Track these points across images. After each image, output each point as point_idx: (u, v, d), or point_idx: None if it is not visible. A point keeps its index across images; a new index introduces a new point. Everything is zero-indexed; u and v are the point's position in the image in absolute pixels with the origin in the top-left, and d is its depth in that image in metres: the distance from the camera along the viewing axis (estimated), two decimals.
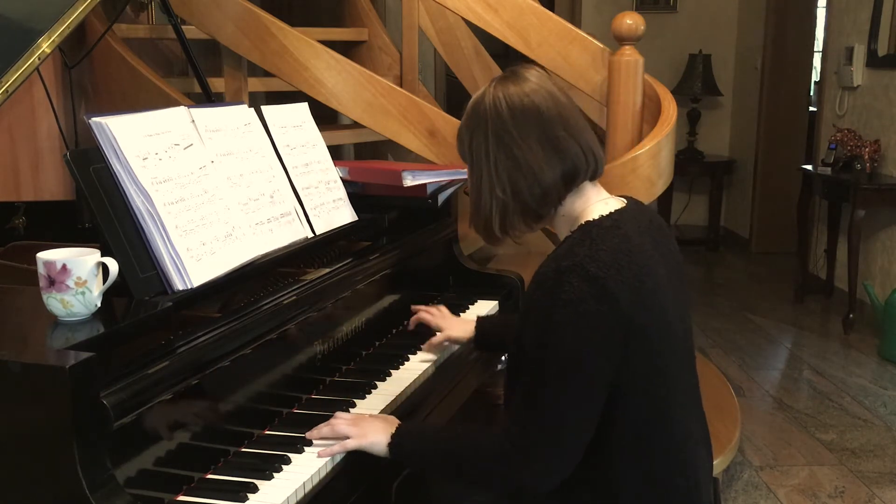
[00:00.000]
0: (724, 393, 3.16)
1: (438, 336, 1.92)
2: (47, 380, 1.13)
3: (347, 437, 1.49)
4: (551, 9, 5.09)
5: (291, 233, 1.81)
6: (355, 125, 3.11)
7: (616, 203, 1.50)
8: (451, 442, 1.49)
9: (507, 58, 4.01)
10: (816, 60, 5.98)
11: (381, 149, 3.76)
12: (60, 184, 2.66)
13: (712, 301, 4.96)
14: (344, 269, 1.85)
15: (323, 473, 1.44)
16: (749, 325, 4.55)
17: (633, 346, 1.37)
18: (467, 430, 1.52)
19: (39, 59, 1.91)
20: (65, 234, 1.72)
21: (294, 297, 1.65)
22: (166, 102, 2.44)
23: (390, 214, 2.18)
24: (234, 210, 1.66)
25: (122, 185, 1.47)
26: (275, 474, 1.39)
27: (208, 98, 2.52)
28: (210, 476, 1.39)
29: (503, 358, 2.31)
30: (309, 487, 1.40)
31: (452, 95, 5.05)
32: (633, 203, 1.54)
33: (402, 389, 1.76)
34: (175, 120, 1.62)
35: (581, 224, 1.46)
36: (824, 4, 5.56)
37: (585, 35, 2.82)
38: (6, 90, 1.83)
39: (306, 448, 1.49)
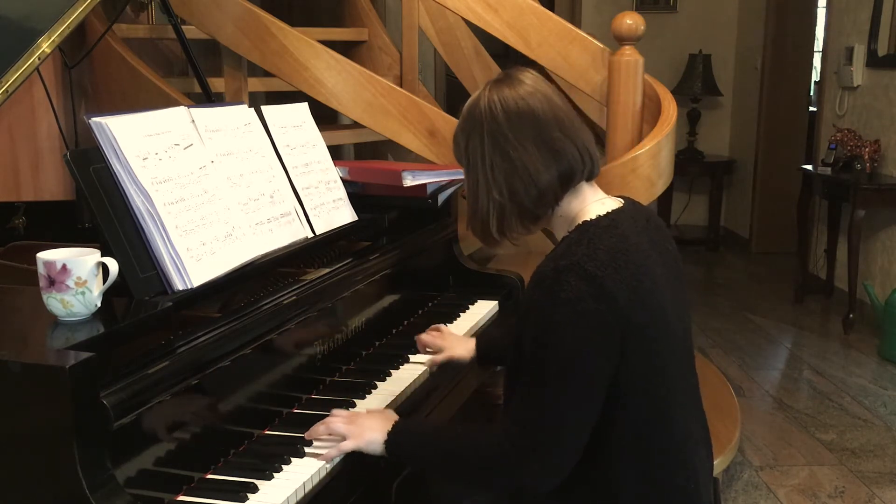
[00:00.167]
0: (724, 393, 3.16)
1: (441, 355, 1.90)
2: (47, 380, 1.13)
3: (344, 437, 1.49)
4: (551, 9, 5.09)
5: (291, 233, 1.81)
6: (355, 125, 3.11)
7: (613, 203, 1.51)
8: (449, 441, 1.49)
9: (507, 58, 4.01)
10: (816, 60, 5.97)
11: (381, 149, 3.76)
12: (60, 184, 2.66)
13: (712, 301, 4.96)
14: (344, 269, 1.85)
15: (323, 473, 1.44)
16: (749, 325, 4.55)
17: (632, 346, 1.37)
18: (466, 429, 1.51)
19: (39, 59, 1.91)
20: (65, 234, 1.72)
21: (294, 297, 1.65)
22: (166, 102, 2.44)
23: (390, 214, 2.18)
24: (234, 210, 1.66)
25: (122, 185, 1.47)
26: (275, 474, 1.39)
27: (208, 98, 2.52)
28: (210, 476, 1.39)
29: None
30: (309, 487, 1.40)
31: (452, 95, 5.05)
32: (630, 203, 1.54)
33: (402, 389, 1.76)
34: (175, 120, 1.62)
35: (578, 224, 1.46)
36: (824, 4, 5.56)
37: (585, 35, 2.82)
38: (6, 90, 1.83)
39: (306, 448, 1.49)
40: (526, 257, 2.96)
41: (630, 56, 2.67)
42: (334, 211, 2.00)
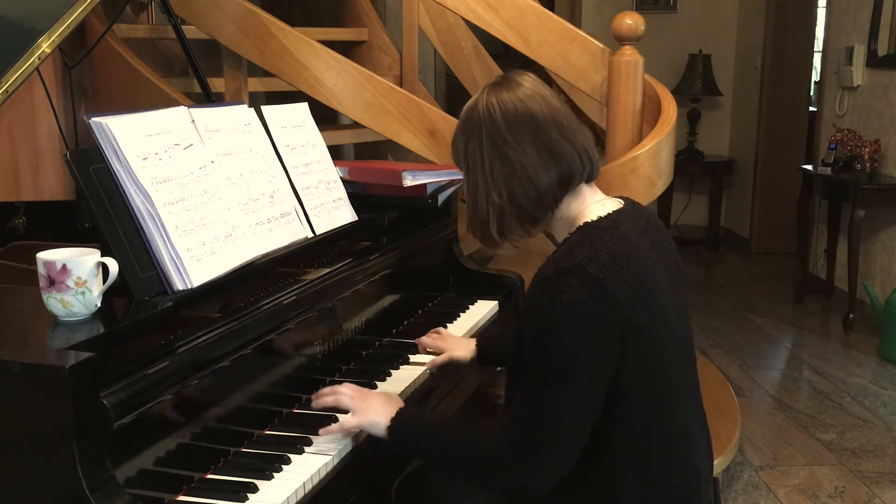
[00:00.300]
0: (724, 393, 3.16)
1: (441, 357, 1.90)
2: (47, 380, 1.13)
3: (348, 410, 1.51)
4: (551, 9, 5.09)
5: (291, 233, 1.81)
6: (355, 125, 3.11)
7: (613, 204, 1.51)
8: (450, 436, 1.49)
9: (507, 58, 4.02)
10: (816, 60, 5.97)
11: (381, 149, 3.76)
12: (60, 184, 2.66)
13: (712, 301, 4.96)
14: (344, 269, 1.85)
15: (323, 473, 1.45)
16: (749, 325, 4.55)
17: (632, 346, 1.37)
18: (468, 425, 1.52)
19: (39, 59, 1.91)
20: (65, 234, 1.72)
21: (294, 297, 1.65)
22: (166, 102, 2.44)
23: (390, 214, 2.18)
24: (234, 210, 1.66)
25: (122, 185, 1.47)
26: (275, 474, 1.39)
27: (208, 98, 2.52)
28: (210, 476, 1.39)
29: None
30: (309, 487, 1.40)
31: (452, 95, 5.05)
32: (630, 204, 1.54)
33: (402, 389, 1.76)
34: (175, 120, 1.62)
35: (579, 226, 1.46)
36: (824, 4, 5.56)
37: (585, 35, 2.82)
38: (6, 90, 1.83)
39: (306, 448, 1.49)
40: (526, 257, 2.96)
41: (630, 56, 2.67)
42: (334, 211, 2.00)
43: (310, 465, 1.44)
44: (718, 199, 6.28)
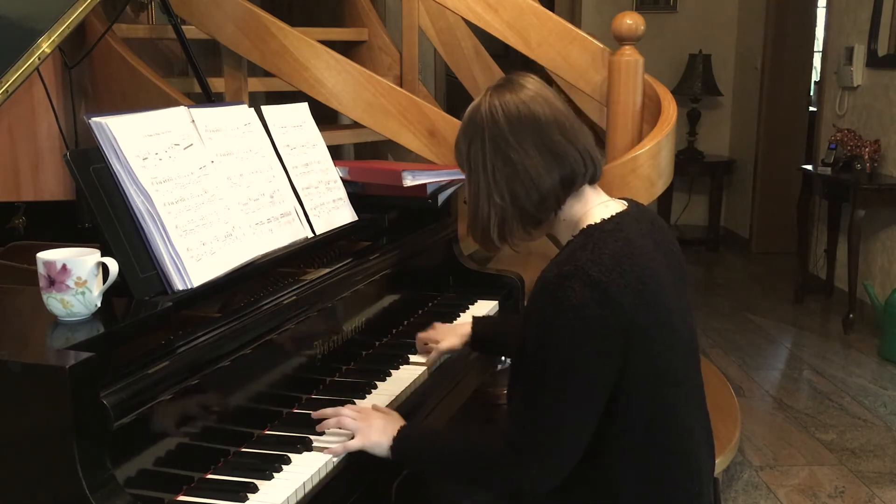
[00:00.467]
0: (724, 393, 3.16)
1: (432, 355, 1.89)
2: (47, 380, 1.13)
3: (352, 433, 1.51)
4: (551, 9, 5.09)
5: (291, 233, 1.81)
6: (355, 125, 3.11)
7: (617, 206, 1.51)
8: (451, 445, 1.50)
9: (507, 58, 4.02)
10: (816, 60, 5.97)
11: (381, 149, 3.75)
12: (60, 184, 2.66)
13: (712, 301, 4.96)
14: (344, 269, 1.85)
15: (323, 473, 1.45)
16: (749, 325, 4.55)
17: (636, 347, 1.37)
18: (468, 432, 1.52)
19: (39, 59, 1.91)
20: (65, 234, 1.72)
21: (294, 297, 1.65)
22: (166, 102, 2.44)
23: (390, 214, 2.18)
24: (234, 210, 1.66)
25: (122, 185, 1.47)
26: (275, 474, 1.39)
27: (208, 98, 2.52)
28: (210, 476, 1.39)
29: (503, 358, 2.31)
30: (309, 487, 1.40)
31: (452, 95, 5.05)
32: (633, 205, 1.54)
33: (402, 389, 1.76)
34: (175, 120, 1.62)
35: (583, 228, 1.46)
36: (824, 4, 5.56)
37: (585, 35, 2.82)
38: (6, 90, 1.83)
39: (306, 448, 1.49)
40: (526, 257, 2.96)
41: (630, 56, 2.67)
42: (334, 211, 2.00)
43: (310, 465, 1.44)
44: (718, 199, 6.28)
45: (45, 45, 1.93)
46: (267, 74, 3.08)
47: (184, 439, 1.34)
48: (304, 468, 1.43)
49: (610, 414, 1.40)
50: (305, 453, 1.47)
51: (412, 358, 1.91)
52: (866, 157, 4.36)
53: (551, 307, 1.35)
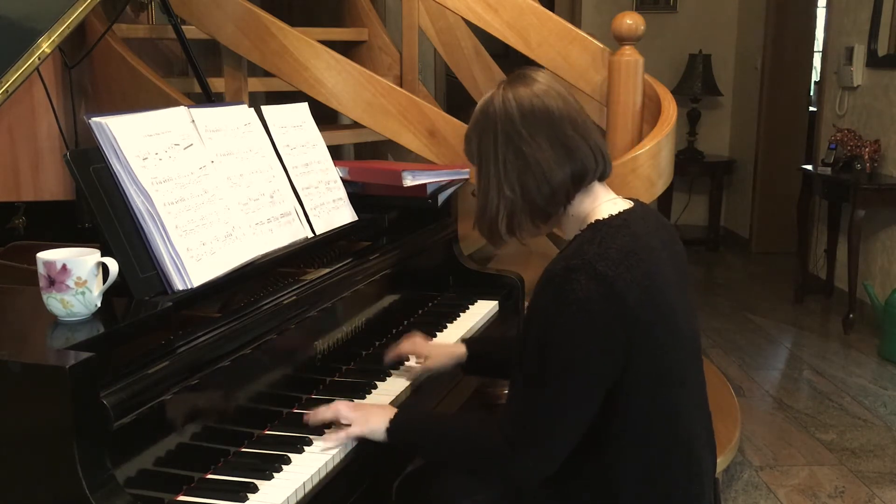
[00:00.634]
0: (724, 393, 3.16)
1: (419, 368, 1.84)
2: (47, 380, 1.13)
3: (349, 423, 1.52)
4: (551, 9, 5.09)
5: (291, 233, 1.81)
6: (355, 125, 3.11)
7: (624, 203, 1.51)
8: (445, 429, 1.53)
9: (507, 58, 4.02)
10: (816, 60, 5.97)
11: (381, 149, 3.75)
12: (60, 184, 2.66)
13: (712, 301, 4.96)
14: (344, 269, 1.85)
15: (323, 473, 1.45)
16: (749, 325, 4.55)
17: (639, 345, 1.37)
18: (463, 418, 1.53)
19: (39, 59, 1.91)
20: (65, 234, 1.72)
21: (294, 297, 1.65)
22: (166, 102, 2.44)
23: (390, 214, 2.18)
24: (234, 210, 1.66)
25: (122, 185, 1.47)
26: (275, 474, 1.39)
27: (208, 98, 2.52)
28: (210, 476, 1.39)
29: None
30: (309, 487, 1.40)
31: (452, 95, 5.05)
32: (639, 204, 1.54)
33: (401, 389, 1.76)
34: (175, 120, 1.62)
35: (590, 223, 1.46)
36: (824, 4, 5.56)
37: (585, 35, 2.82)
38: (6, 90, 1.83)
39: (306, 448, 1.49)
40: (527, 257, 2.96)
41: (630, 56, 2.67)
42: (334, 211, 2.00)
43: (310, 465, 1.44)
44: (718, 199, 6.28)
45: (45, 45, 1.93)
46: (267, 74, 3.08)
47: (184, 439, 1.34)
48: (304, 468, 1.43)
49: (611, 413, 1.40)
50: (305, 453, 1.47)
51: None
52: (866, 157, 4.36)
53: (556, 299, 1.35)
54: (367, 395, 1.71)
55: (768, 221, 5.97)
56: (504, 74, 3.62)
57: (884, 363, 3.99)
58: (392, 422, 1.52)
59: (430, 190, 2.26)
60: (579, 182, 1.47)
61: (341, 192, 2.06)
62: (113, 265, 1.34)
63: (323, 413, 1.54)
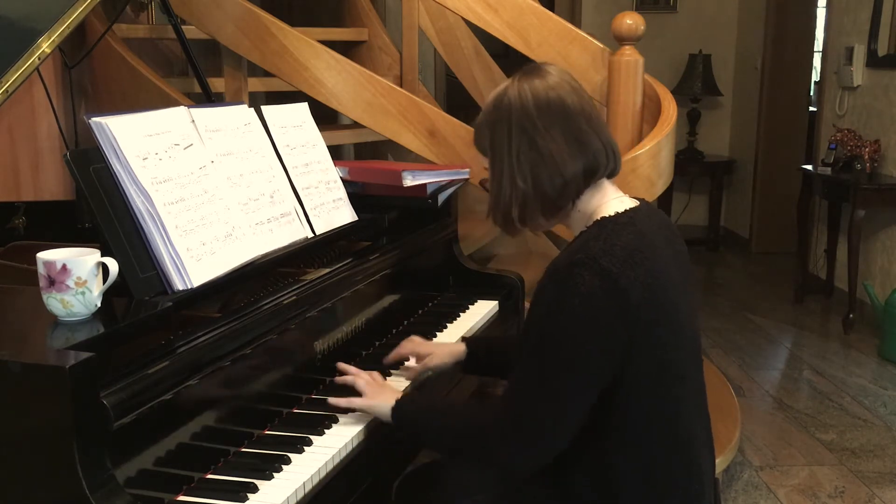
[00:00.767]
0: (724, 393, 3.16)
1: (419, 367, 1.85)
2: (47, 380, 1.13)
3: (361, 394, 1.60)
4: (551, 9, 5.09)
5: (291, 233, 1.81)
6: (355, 125, 3.11)
7: (631, 202, 1.51)
8: (447, 413, 1.55)
9: (507, 58, 4.01)
10: (816, 60, 5.97)
11: (381, 149, 3.75)
12: (60, 184, 2.66)
13: (712, 301, 4.96)
14: (344, 269, 1.85)
15: (323, 473, 1.45)
16: (749, 325, 4.55)
17: (640, 342, 1.37)
18: (466, 404, 1.55)
19: (39, 59, 1.91)
20: (65, 234, 1.72)
21: (294, 297, 1.65)
22: (166, 102, 2.44)
23: (390, 214, 2.18)
24: (234, 210, 1.66)
25: (122, 185, 1.47)
26: (275, 474, 1.39)
27: (208, 98, 2.52)
28: (210, 476, 1.39)
29: None
30: (309, 487, 1.40)
31: (452, 95, 5.05)
32: (645, 204, 1.55)
33: (401, 390, 1.75)
34: (175, 120, 1.62)
35: (597, 220, 1.46)
36: (824, 4, 5.56)
37: (585, 35, 2.82)
38: (6, 90, 1.83)
39: (306, 448, 1.49)
40: (527, 257, 2.96)
41: (630, 56, 2.67)
42: (334, 211, 2.00)
43: (310, 465, 1.44)
44: (718, 199, 6.28)
45: (45, 45, 1.93)
46: (267, 74, 3.08)
47: (184, 439, 1.34)
48: (304, 468, 1.43)
49: (611, 412, 1.40)
50: (306, 453, 1.47)
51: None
52: (866, 157, 4.36)
53: (559, 293, 1.36)
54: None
55: (768, 221, 5.97)
56: (504, 74, 3.63)
57: (884, 363, 3.99)
58: (399, 400, 1.56)
59: (430, 190, 2.26)
60: (590, 177, 1.47)
61: (341, 192, 2.06)
62: (113, 265, 1.34)
63: (345, 377, 1.65)
